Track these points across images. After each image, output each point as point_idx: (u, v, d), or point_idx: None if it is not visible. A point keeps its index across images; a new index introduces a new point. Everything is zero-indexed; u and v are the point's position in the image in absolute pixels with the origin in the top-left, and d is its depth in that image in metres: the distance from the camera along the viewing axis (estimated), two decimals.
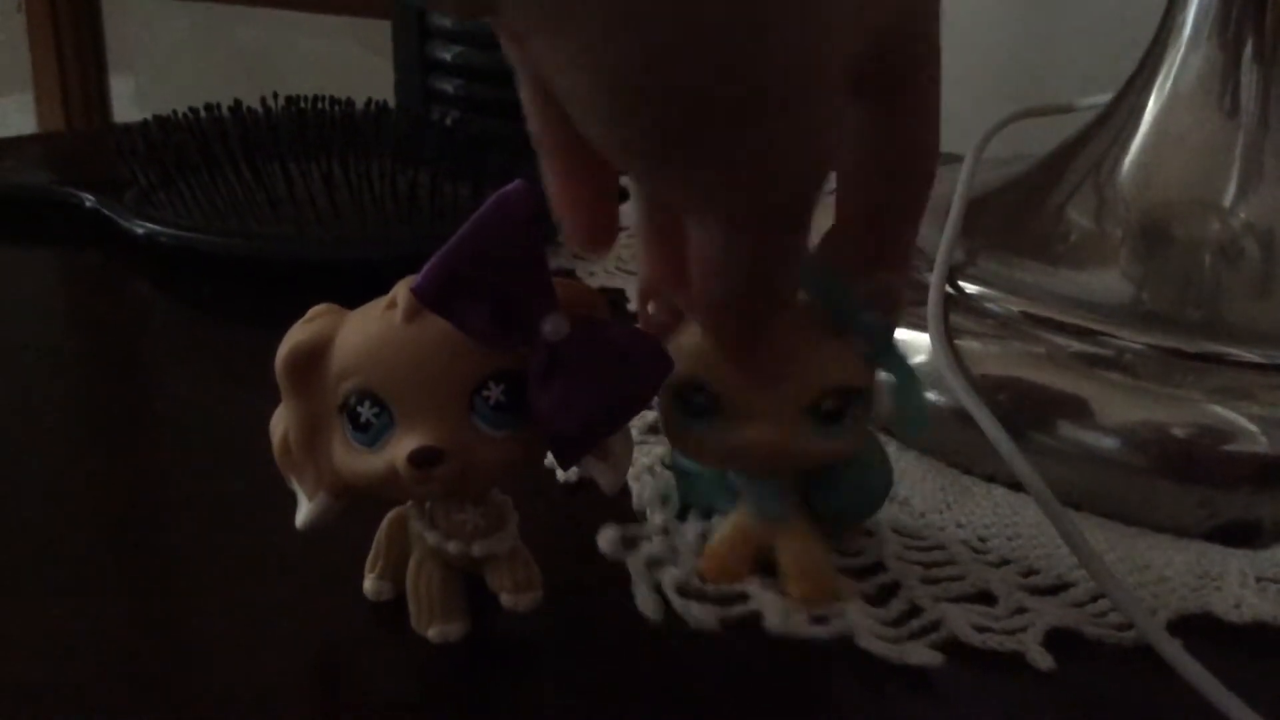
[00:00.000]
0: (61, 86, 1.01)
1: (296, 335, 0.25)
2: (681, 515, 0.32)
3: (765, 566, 0.29)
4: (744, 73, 0.19)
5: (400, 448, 0.24)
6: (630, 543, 0.30)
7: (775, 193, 0.21)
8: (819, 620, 0.28)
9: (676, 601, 0.28)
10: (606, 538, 0.30)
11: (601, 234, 0.28)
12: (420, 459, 0.24)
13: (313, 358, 0.25)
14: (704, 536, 0.31)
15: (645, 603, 0.28)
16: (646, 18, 0.18)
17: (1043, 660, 0.27)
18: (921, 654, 0.27)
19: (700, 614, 0.28)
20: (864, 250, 0.26)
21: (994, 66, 0.58)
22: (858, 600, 0.29)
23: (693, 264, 0.24)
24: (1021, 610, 0.29)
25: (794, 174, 0.21)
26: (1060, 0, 0.64)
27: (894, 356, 0.28)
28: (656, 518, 0.32)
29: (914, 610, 0.29)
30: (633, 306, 0.47)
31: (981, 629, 0.28)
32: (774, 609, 0.28)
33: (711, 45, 0.19)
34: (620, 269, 0.51)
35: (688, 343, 0.27)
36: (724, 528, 0.30)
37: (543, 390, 0.24)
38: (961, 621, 0.28)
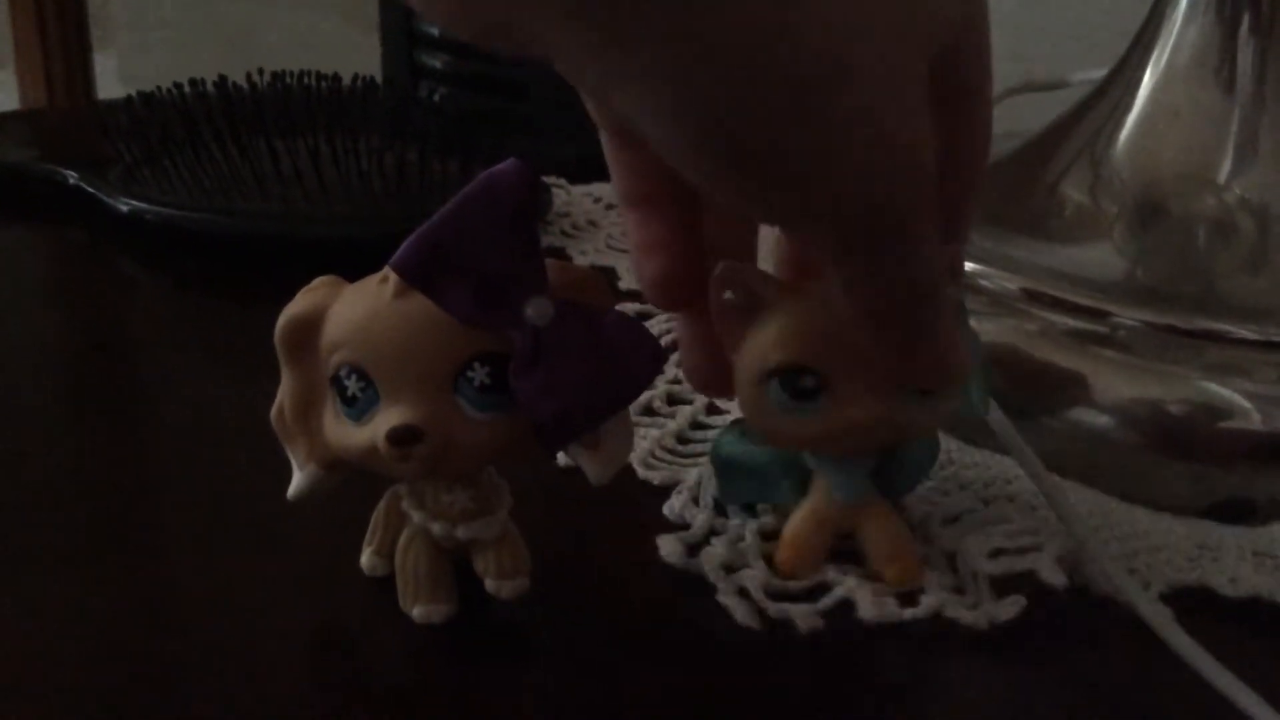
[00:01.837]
0: (44, 63, 1.00)
1: (294, 306, 0.25)
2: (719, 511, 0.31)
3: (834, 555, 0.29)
4: (825, 101, 0.19)
5: (381, 424, 0.24)
6: (693, 549, 0.29)
7: (871, 211, 0.21)
8: (908, 601, 0.28)
9: (772, 607, 0.27)
10: (669, 549, 0.29)
11: (679, 284, 0.27)
12: (398, 437, 0.24)
13: (308, 328, 0.25)
14: (760, 534, 0.30)
15: (740, 611, 0.27)
16: (713, 62, 0.18)
17: (1055, 577, 0.28)
18: (1003, 608, 0.27)
19: (799, 614, 0.27)
20: None
21: None
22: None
23: (837, 287, 0.24)
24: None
25: (887, 185, 0.21)
26: None
27: (968, 330, 0.28)
28: (700, 517, 0.31)
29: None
30: (625, 284, 0.47)
31: (997, 553, 0.29)
32: (864, 597, 0.28)
33: (790, 91, 0.19)
34: (611, 246, 0.51)
35: (785, 326, 0.27)
36: (798, 517, 0.29)
37: (524, 375, 0.24)
38: (978, 554, 0.29)
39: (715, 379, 0.29)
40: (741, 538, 0.30)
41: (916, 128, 0.21)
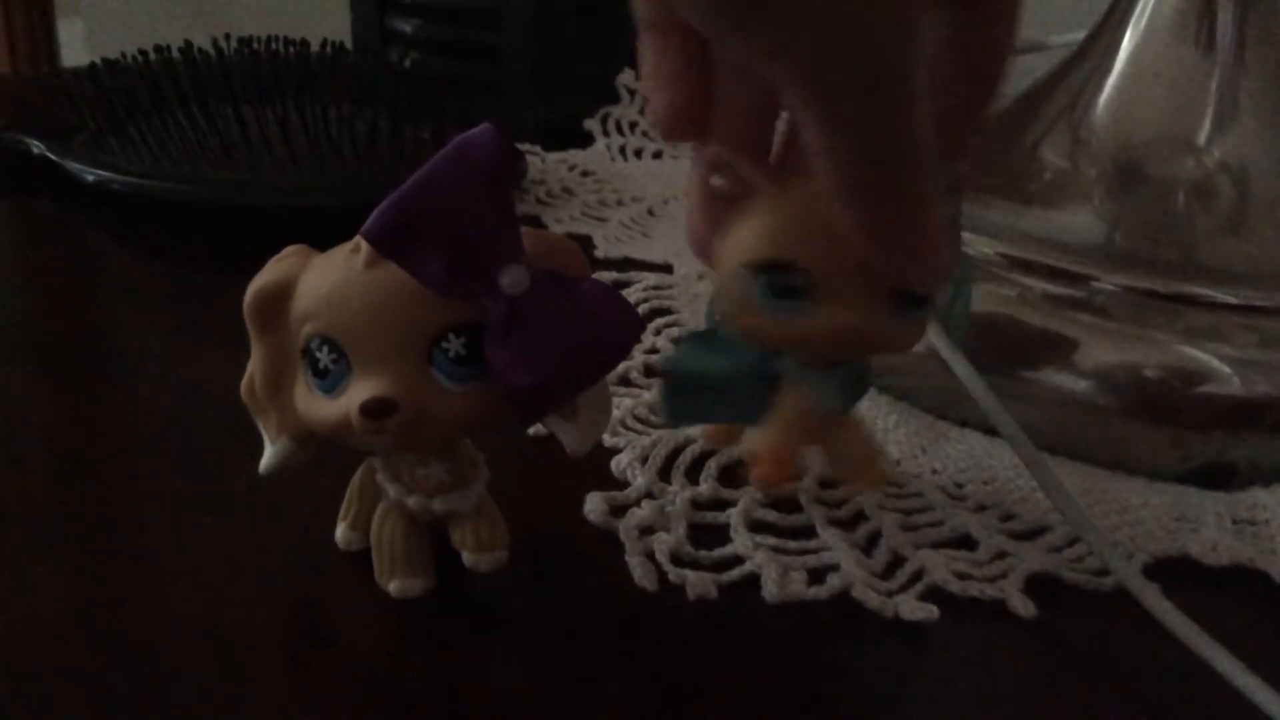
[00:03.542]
0: (7, 31, 0.98)
1: (263, 276, 0.25)
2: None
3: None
4: None
5: (354, 396, 0.24)
6: (619, 510, 0.29)
7: (870, 61, 0.21)
8: (816, 580, 0.27)
9: (672, 571, 0.27)
10: (593, 506, 0.29)
11: (690, 113, 0.26)
12: (371, 409, 0.23)
13: (278, 299, 0.25)
14: (692, 502, 0.30)
15: (640, 573, 0.27)
16: None
17: (1024, 607, 0.27)
18: (915, 609, 0.27)
19: (697, 581, 0.27)
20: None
21: None
22: (850, 552, 0.28)
23: (810, 150, 0.23)
24: (1001, 555, 0.29)
25: (885, 39, 0.20)
26: None
27: (959, 249, 0.27)
28: (639, 480, 0.31)
29: (898, 559, 0.28)
30: (600, 252, 0.46)
31: (963, 576, 0.28)
32: (770, 573, 0.27)
33: None
34: (586, 215, 0.51)
35: (772, 220, 0.26)
36: (775, 428, 0.28)
37: (499, 344, 0.23)
38: (943, 569, 0.28)
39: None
40: (672, 502, 0.30)
41: None
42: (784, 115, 0.26)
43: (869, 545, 0.29)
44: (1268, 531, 0.30)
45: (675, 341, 0.30)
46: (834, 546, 0.28)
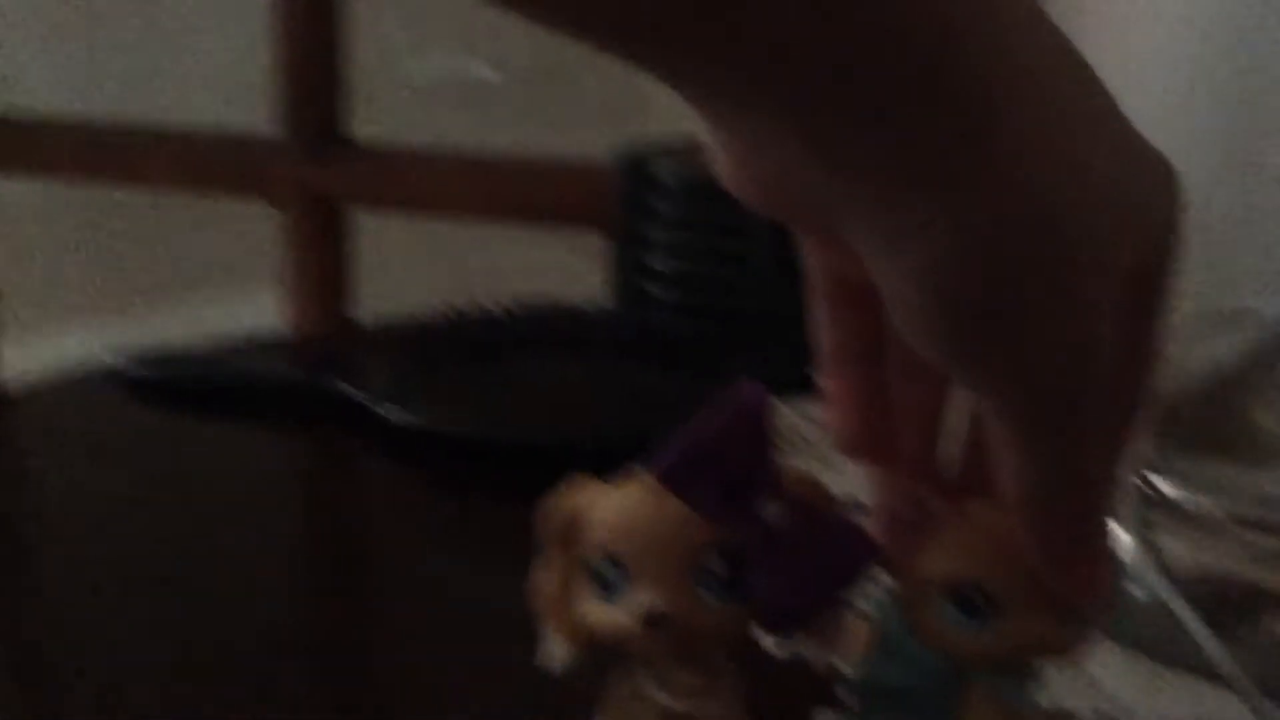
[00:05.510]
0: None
1: (564, 500, 0.29)
2: None
3: None
4: (1054, 277, 0.22)
5: (632, 605, 0.28)
6: None
7: (1068, 380, 0.24)
8: None
9: None
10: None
11: (869, 441, 0.30)
12: (653, 620, 0.27)
13: (575, 521, 0.29)
14: None
15: None
16: (986, 243, 0.22)
17: None
18: None
19: None
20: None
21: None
22: None
23: (1007, 479, 0.26)
24: None
25: (1081, 361, 0.24)
26: None
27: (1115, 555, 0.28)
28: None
29: None
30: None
31: None
32: None
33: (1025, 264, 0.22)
34: (820, 460, 0.54)
35: (957, 540, 0.28)
36: None
37: (760, 568, 0.27)
38: None
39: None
40: None
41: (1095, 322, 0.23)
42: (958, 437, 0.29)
43: None
44: None
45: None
46: None
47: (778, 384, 0.62)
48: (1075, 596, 0.27)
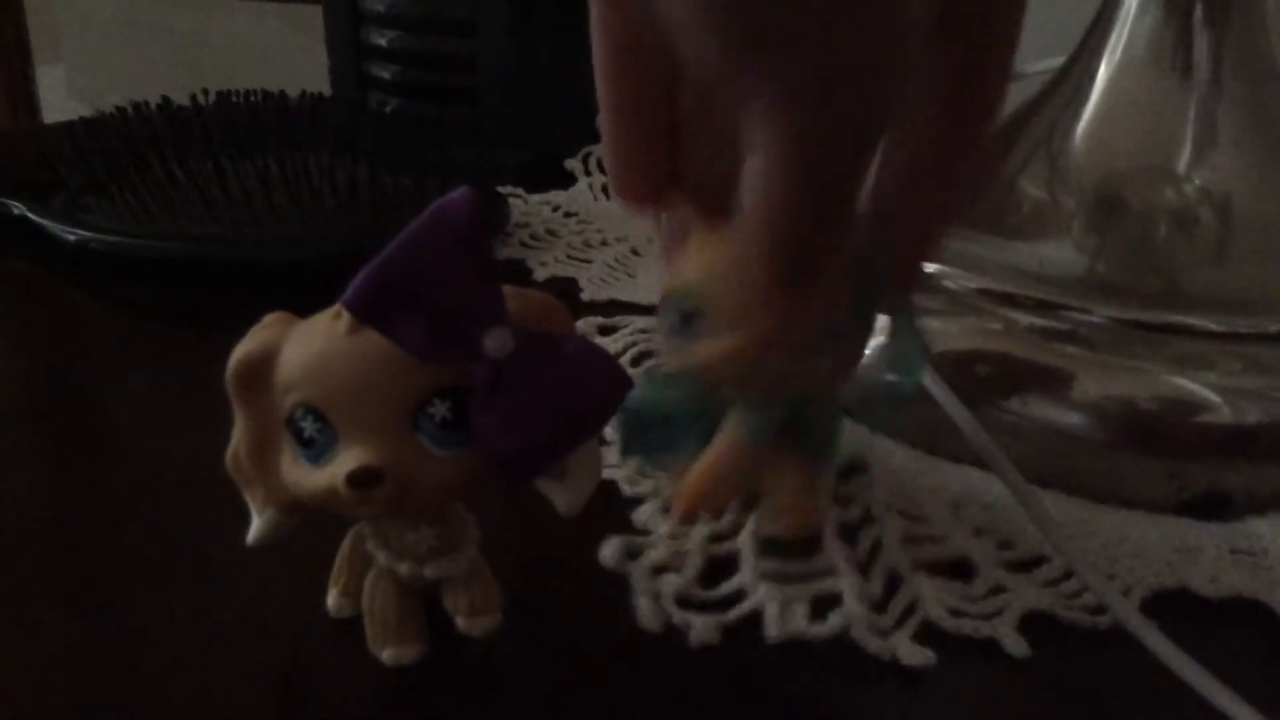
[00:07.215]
0: None
1: (244, 346, 0.25)
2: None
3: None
4: None
5: (340, 466, 0.23)
6: (634, 554, 0.29)
7: (851, 98, 0.21)
8: (818, 616, 0.27)
9: (675, 614, 0.27)
10: (610, 550, 0.29)
11: (651, 189, 0.28)
12: (358, 479, 0.23)
13: (261, 369, 0.24)
14: (710, 538, 0.30)
15: (645, 614, 0.27)
16: None
17: (1017, 647, 0.27)
18: (912, 653, 0.26)
19: (701, 628, 0.27)
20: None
21: None
22: (850, 575, 0.29)
23: (750, 188, 0.23)
24: (998, 590, 0.29)
25: (871, 78, 0.21)
26: None
27: (905, 305, 0.28)
28: (662, 526, 0.31)
29: (895, 579, 0.29)
30: (586, 295, 0.46)
31: (957, 613, 0.28)
32: (773, 610, 0.28)
33: None
34: (572, 257, 0.50)
35: (689, 256, 0.27)
36: (705, 458, 0.29)
37: (485, 409, 0.23)
38: (938, 605, 0.28)
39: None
40: (688, 537, 0.30)
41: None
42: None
43: (869, 561, 0.29)
44: (1266, 561, 0.30)
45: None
46: (839, 569, 0.29)
47: (516, 171, 0.58)
48: (786, 320, 0.25)
